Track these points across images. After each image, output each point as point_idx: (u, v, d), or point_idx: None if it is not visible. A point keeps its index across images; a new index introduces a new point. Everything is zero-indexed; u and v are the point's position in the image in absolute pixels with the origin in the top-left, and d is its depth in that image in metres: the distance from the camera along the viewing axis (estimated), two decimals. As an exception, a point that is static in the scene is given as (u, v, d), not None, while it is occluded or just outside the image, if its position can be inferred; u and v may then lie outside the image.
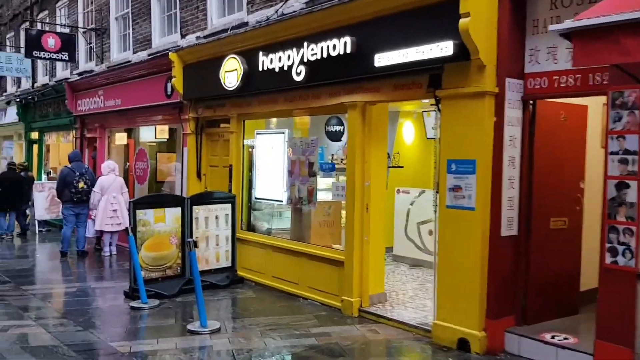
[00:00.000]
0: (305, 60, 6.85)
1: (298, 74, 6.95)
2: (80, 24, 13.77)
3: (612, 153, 4.54)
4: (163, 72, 9.81)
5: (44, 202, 13.25)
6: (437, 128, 5.80)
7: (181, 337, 5.77)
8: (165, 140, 11.43)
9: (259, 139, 8.34)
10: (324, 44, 6.58)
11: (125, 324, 6.34)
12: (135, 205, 7.48)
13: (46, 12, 16.13)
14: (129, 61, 11.36)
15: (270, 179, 8.05)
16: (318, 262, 7.09)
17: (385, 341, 5.71)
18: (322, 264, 7.03)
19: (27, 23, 16.13)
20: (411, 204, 9.04)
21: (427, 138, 9.88)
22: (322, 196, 7.74)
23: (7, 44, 19.15)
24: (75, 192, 10.13)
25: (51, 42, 12.80)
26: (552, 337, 5.15)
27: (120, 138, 12.53)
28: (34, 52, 12.70)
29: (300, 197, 7.58)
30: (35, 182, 13.83)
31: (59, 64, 15.17)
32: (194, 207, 7.88)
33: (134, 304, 6.92)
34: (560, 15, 5.01)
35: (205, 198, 8.19)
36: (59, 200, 10.80)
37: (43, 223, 13.54)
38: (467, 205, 5.35)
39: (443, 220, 5.60)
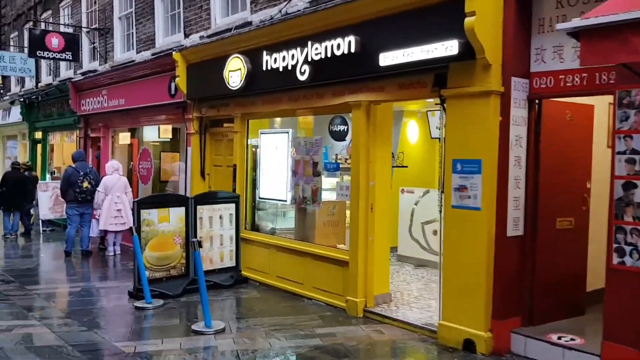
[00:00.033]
0: (309, 59, 6.83)
1: (302, 73, 6.94)
2: (84, 24, 13.80)
3: (619, 153, 4.52)
4: (167, 71, 9.81)
5: (48, 201, 13.29)
6: (442, 128, 5.78)
7: (186, 337, 5.77)
8: (169, 139, 11.42)
9: (263, 139, 8.33)
10: (328, 44, 6.56)
11: (130, 324, 6.33)
12: (139, 205, 7.48)
13: (50, 11, 16.16)
14: (133, 61, 11.36)
15: (274, 178, 8.03)
16: (322, 262, 7.07)
17: (391, 342, 5.69)
18: (326, 264, 7.01)
19: (31, 23, 16.18)
20: (415, 204, 9.02)
21: (431, 138, 9.86)
22: (327, 196, 7.71)
23: (11, 43, 19.19)
24: (79, 192, 10.13)
25: (55, 41, 12.81)
26: (559, 338, 5.12)
27: (124, 138, 12.55)
28: (37, 52, 12.71)
29: (304, 196, 7.56)
30: (39, 181, 13.88)
31: (62, 64, 15.19)
32: (198, 207, 7.87)
33: (138, 304, 6.92)
34: (566, 14, 4.98)
35: (209, 198, 8.19)
36: (63, 199, 10.81)
37: (47, 223, 13.55)
38: (473, 205, 5.32)
39: (448, 220, 5.57)
